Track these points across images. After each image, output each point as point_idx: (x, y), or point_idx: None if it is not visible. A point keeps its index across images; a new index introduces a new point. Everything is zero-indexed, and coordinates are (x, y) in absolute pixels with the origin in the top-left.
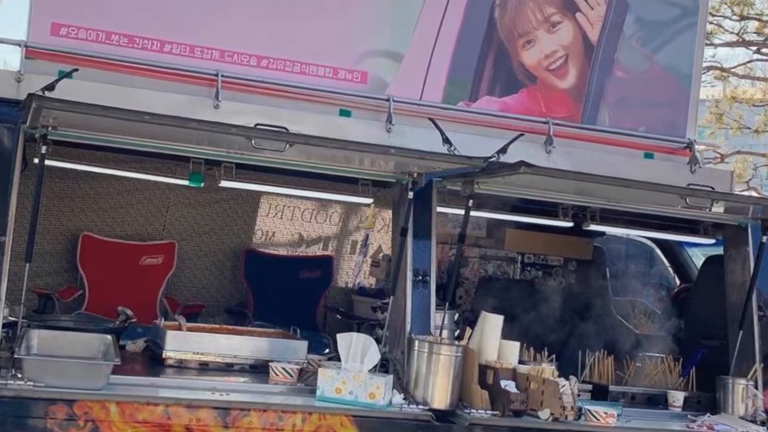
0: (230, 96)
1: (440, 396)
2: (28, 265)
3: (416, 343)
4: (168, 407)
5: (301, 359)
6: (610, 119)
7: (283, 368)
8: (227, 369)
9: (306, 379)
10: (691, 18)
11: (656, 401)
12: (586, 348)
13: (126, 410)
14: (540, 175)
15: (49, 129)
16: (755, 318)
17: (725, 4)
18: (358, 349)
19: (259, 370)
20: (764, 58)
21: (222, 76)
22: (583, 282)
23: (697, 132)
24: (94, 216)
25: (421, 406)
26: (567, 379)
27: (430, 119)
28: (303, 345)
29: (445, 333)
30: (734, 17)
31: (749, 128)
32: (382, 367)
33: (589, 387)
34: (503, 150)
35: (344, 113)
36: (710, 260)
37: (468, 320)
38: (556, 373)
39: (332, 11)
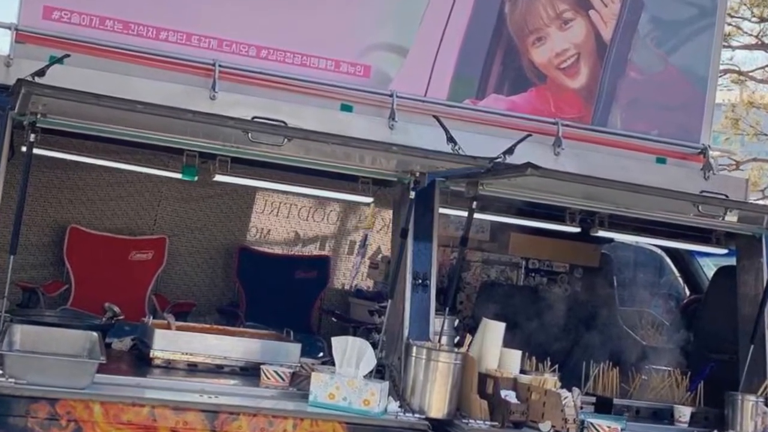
0: (227, 87)
1: (437, 405)
2: (12, 257)
3: (414, 349)
4: (154, 409)
5: (293, 362)
6: (622, 121)
7: (275, 371)
8: (217, 371)
9: (298, 383)
10: (709, 18)
11: (662, 416)
12: (591, 359)
13: (110, 411)
14: (547, 177)
15: (38, 116)
16: (767, 332)
17: (744, 5)
18: (353, 353)
19: (249, 372)
20: None
21: (219, 66)
22: (589, 290)
23: (711, 137)
24: (83, 208)
25: (417, 415)
26: (570, 390)
27: (434, 116)
28: (296, 348)
29: (444, 339)
30: (753, 19)
31: (766, 135)
32: (378, 373)
33: (593, 399)
34: (510, 151)
35: (345, 108)
36: (722, 271)
37: (468, 327)
38: (559, 384)
39: (336, 2)
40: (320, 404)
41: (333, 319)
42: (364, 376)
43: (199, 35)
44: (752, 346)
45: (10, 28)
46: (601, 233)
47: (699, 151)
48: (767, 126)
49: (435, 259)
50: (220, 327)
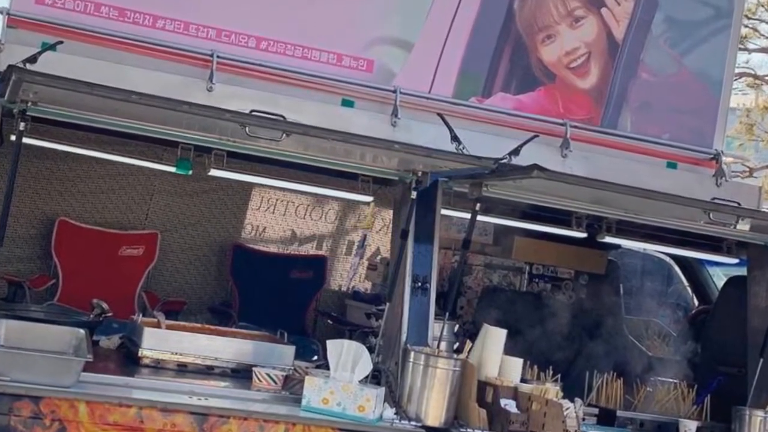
0: (225, 79)
1: (435, 412)
2: None
3: (412, 354)
4: (141, 410)
5: (287, 365)
6: (632, 124)
7: (268, 374)
8: (207, 372)
9: (291, 387)
10: (725, 20)
11: (667, 429)
12: (594, 369)
13: (96, 411)
14: (554, 180)
15: (29, 104)
16: None
17: (762, 6)
18: (348, 357)
19: (241, 374)
20: None
21: (217, 57)
22: (594, 297)
23: (724, 142)
24: (73, 200)
25: (413, 422)
26: (572, 401)
27: (438, 114)
28: (290, 350)
29: (443, 345)
30: None
31: None
32: (374, 378)
33: (596, 411)
34: (516, 151)
35: (347, 103)
36: (732, 281)
37: (469, 333)
38: (561, 394)
39: None
40: (313, 409)
41: (328, 321)
42: (360, 382)
43: (198, 24)
44: (762, 360)
45: (1, 13)
46: (608, 239)
47: (711, 156)
48: None
49: (436, 262)
50: (212, 327)
